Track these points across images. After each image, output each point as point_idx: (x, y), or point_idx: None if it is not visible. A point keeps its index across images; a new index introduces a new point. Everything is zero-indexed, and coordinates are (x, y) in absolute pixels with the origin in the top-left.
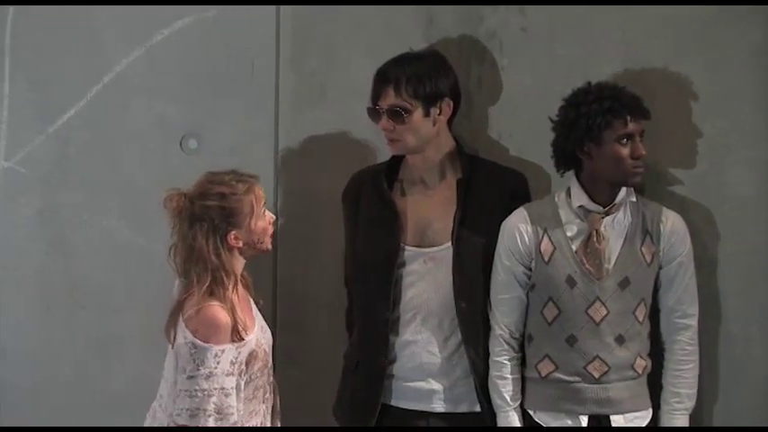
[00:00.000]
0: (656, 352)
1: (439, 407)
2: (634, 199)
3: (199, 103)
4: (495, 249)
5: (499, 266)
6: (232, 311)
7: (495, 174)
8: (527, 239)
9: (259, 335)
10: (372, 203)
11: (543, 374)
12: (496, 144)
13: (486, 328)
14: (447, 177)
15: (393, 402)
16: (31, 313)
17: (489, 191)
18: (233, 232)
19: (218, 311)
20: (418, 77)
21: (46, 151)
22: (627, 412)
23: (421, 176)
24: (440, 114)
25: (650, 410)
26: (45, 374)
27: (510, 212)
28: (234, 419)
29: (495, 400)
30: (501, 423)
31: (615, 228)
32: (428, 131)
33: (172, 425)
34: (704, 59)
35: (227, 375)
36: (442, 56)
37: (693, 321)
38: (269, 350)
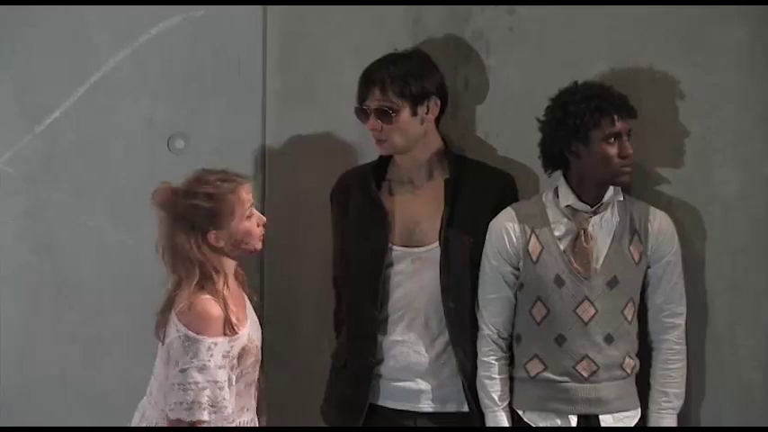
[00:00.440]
0: (644, 351)
1: (426, 407)
2: (621, 198)
3: (186, 103)
4: (482, 249)
5: (487, 266)
6: (224, 305)
7: (483, 174)
8: (515, 239)
9: (251, 330)
10: (360, 203)
11: (532, 374)
12: (484, 144)
13: (474, 328)
14: (435, 177)
15: (380, 402)
16: (18, 313)
17: (477, 191)
18: (213, 232)
19: (211, 304)
20: (404, 77)
21: (33, 151)
22: (616, 412)
23: (409, 176)
24: (427, 113)
25: (639, 410)
26: (32, 374)
27: (497, 212)
28: (228, 412)
29: (484, 400)
30: (489, 423)
31: (603, 227)
32: (416, 131)
33: (162, 420)
34: (691, 59)
35: (219, 368)
36: (427, 55)
37: (681, 320)
38: (260, 347)
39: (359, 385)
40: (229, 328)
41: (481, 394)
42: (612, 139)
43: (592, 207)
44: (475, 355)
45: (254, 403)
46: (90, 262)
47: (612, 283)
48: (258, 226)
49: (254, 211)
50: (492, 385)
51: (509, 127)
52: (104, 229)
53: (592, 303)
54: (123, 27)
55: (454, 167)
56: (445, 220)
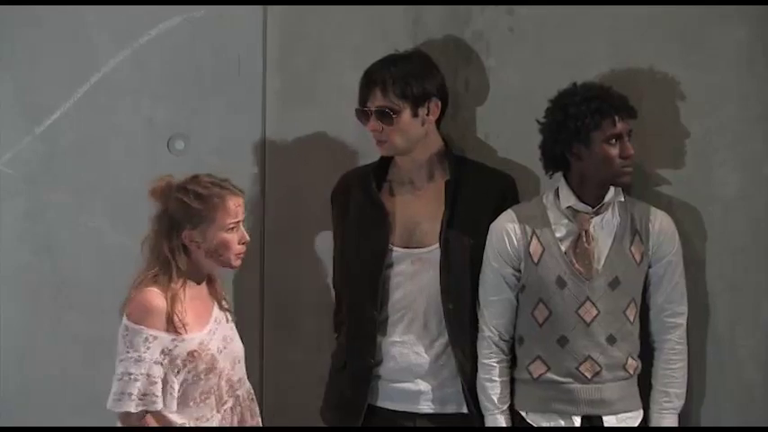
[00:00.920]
0: (645, 352)
1: (426, 408)
2: (622, 199)
3: (186, 104)
4: (482, 251)
5: (488, 268)
6: (171, 302)
7: (484, 175)
8: (515, 241)
9: (209, 339)
10: (361, 204)
11: (535, 376)
12: (484, 145)
13: (474, 329)
14: (435, 178)
15: (379, 403)
16: (18, 313)
17: (477, 192)
18: (188, 231)
19: (154, 296)
20: (405, 78)
21: (33, 152)
22: (619, 413)
23: (409, 177)
24: (428, 115)
25: (641, 411)
26: (32, 374)
27: (498, 214)
28: (157, 407)
29: (483, 403)
30: (489, 425)
31: (604, 228)
32: (416, 132)
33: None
34: (691, 59)
35: (155, 363)
36: (428, 56)
37: (682, 320)
38: (226, 361)
39: (358, 386)
40: (172, 327)
41: (481, 396)
42: (614, 140)
43: (593, 208)
44: (475, 356)
45: (218, 416)
46: (90, 262)
47: (614, 283)
48: (240, 243)
49: (242, 228)
50: (492, 387)
51: (509, 128)
52: (104, 230)
53: (594, 304)
54: (123, 27)
55: (455, 168)
56: (445, 221)
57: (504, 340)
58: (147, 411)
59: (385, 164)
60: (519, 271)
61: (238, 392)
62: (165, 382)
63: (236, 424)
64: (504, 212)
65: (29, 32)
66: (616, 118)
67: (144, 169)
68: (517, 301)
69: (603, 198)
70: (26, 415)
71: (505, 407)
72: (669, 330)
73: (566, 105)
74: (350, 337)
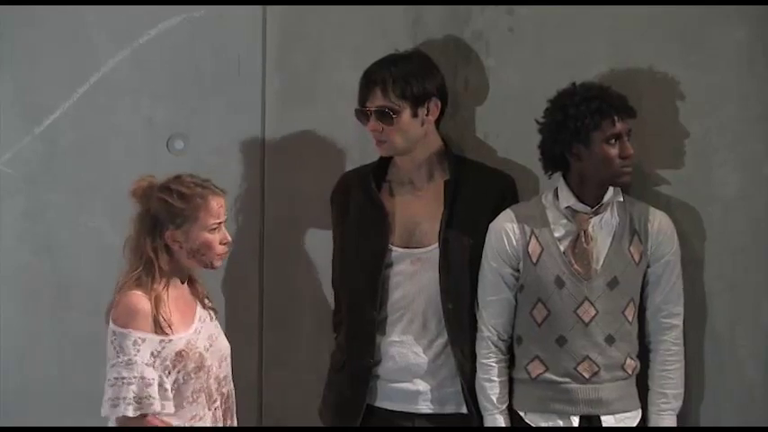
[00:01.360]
0: (643, 352)
1: (424, 408)
2: (621, 199)
3: (185, 104)
4: (482, 251)
5: (486, 268)
6: (156, 303)
7: (483, 175)
8: (514, 241)
9: (195, 338)
10: (361, 204)
11: (533, 376)
12: (483, 145)
13: (473, 329)
14: (435, 178)
15: (378, 403)
16: (17, 313)
17: (477, 192)
18: (170, 231)
19: (139, 298)
20: (405, 78)
21: (33, 152)
22: (617, 413)
23: (409, 177)
24: (428, 115)
25: (639, 411)
26: (31, 375)
27: (497, 214)
28: (155, 409)
29: (482, 403)
30: (488, 425)
31: (603, 228)
32: (416, 132)
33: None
34: (691, 59)
35: (147, 365)
36: (427, 56)
37: (679, 321)
38: (214, 359)
39: (357, 386)
40: (159, 328)
41: (480, 396)
42: (613, 140)
43: (592, 208)
44: (474, 356)
45: (210, 414)
46: (90, 262)
47: (613, 283)
48: (221, 244)
49: (223, 228)
50: (491, 387)
51: (509, 128)
52: (104, 230)
53: (592, 304)
54: (123, 27)
55: (454, 168)
56: (445, 221)
57: (502, 340)
58: (144, 414)
59: (384, 164)
60: (518, 271)
61: (224, 390)
62: (159, 384)
63: (225, 423)
64: (504, 212)
65: (29, 32)
66: (615, 118)
67: (144, 169)
68: (516, 300)
69: (602, 198)
70: (26, 415)
71: (504, 407)
72: (665, 331)
73: (565, 105)
74: (349, 337)
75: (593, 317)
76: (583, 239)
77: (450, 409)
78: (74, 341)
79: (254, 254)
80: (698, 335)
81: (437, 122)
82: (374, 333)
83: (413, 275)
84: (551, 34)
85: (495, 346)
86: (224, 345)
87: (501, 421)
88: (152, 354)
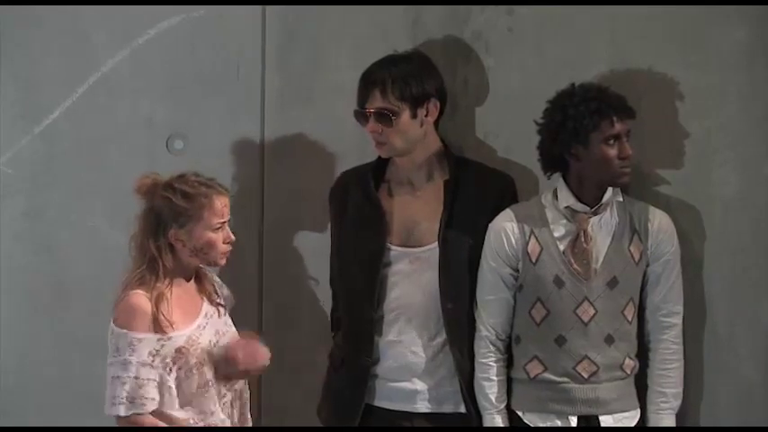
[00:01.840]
0: (642, 352)
1: (423, 407)
2: (620, 199)
3: (185, 104)
4: (481, 250)
5: (485, 268)
6: (157, 302)
7: (483, 175)
8: (514, 241)
9: (197, 334)
10: (359, 203)
11: (532, 375)
12: (483, 145)
13: (472, 328)
14: (434, 178)
15: (377, 403)
16: (17, 314)
17: (476, 192)
18: (174, 230)
19: (139, 299)
20: (404, 79)
21: (32, 152)
22: (616, 413)
23: (408, 177)
24: (427, 116)
25: (638, 410)
26: (31, 375)
27: (497, 214)
28: (147, 409)
29: (481, 402)
30: (486, 425)
31: (602, 227)
32: (415, 133)
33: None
34: (691, 59)
35: (143, 365)
36: (426, 57)
37: (678, 320)
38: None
39: (355, 385)
40: (158, 327)
41: (479, 396)
42: (612, 140)
43: (591, 208)
44: (472, 356)
45: (217, 407)
46: (90, 262)
47: (612, 283)
48: (225, 242)
49: (227, 227)
50: (489, 387)
51: (508, 128)
52: (104, 230)
53: (591, 304)
54: (122, 27)
55: (454, 168)
56: (444, 220)
57: (500, 339)
58: (138, 414)
59: (383, 163)
60: (517, 270)
61: (236, 386)
62: (161, 383)
63: (235, 418)
64: (503, 212)
65: (29, 32)
66: (614, 119)
67: (143, 169)
68: (514, 300)
69: (602, 198)
70: (26, 415)
71: (503, 406)
72: (665, 330)
73: (564, 106)
74: (347, 336)
75: (593, 316)
76: (582, 239)
77: (448, 408)
78: (74, 341)
79: (253, 253)
80: (697, 334)
81: (436, 123)
82: (372, 332)
83: (411, 275)
84: (551, 34)
85: (494, 346)
86: (225, 338)
87: (499, 421)
88: (150, 353)
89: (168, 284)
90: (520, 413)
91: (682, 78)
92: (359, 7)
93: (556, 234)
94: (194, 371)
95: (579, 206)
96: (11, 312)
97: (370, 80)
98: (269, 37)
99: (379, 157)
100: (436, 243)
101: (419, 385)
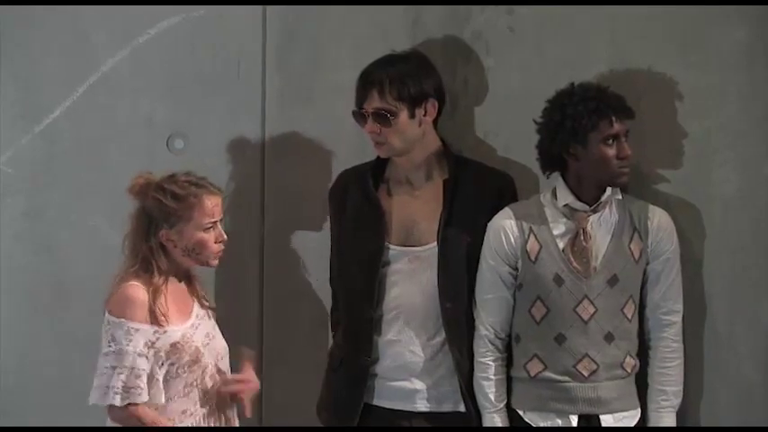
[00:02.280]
0: (642, 350)
1: (422, 406)
2: (620, 197)
3: (185, 103)
4: (480, 249)
5: (484, 266)
6: (153, 294)
7: (482, 174)
8: (513, 239)
9: (192, 333)
10: (358, 203)
11: (532, 374)
12: (483, 144)
13: (471, 327)
14: (433, 177)
15: (376, 402)
16: (17, 314)
17: (475, 191)
18: (165, 230)
19: (135, 289)
20: (402, 79)
21: (32, 151)
22: (616, 412)
23: (407, 176)
24: (425, 115)
25: (639, 410)
26: (31, 374)
27: (496, 213)
28: (142, 399)
29: (480, 401)
30: (486, 424)
31: (602, 225)
32: (414, 133)
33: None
34: (690, 59)
35: (139, 356)
36: (424, 56)
37: (678, 318)
38: (210, 357)
39: (354, 385)
40: (154, 319)
41: (478, 395)
42: (611, 140)
43: (590, 206)
44: (472, 355)
45: (202, 411)
46: (90, 262)
47: (613, 281)
48: (217, 242)
49: (219, 227)
50: (488, 386)
51: (508, 127)
52: (104, 230)
53: (591, 302)
54: (122, 27)
55: (453, 168)
56: (443, 219)
57: (499, 338)
58: (132, 404)
59: (382, 163)
60: (515, 269)
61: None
62: (150, 375)
63: (221, 422)
64: (502, 211)
65: (29, 32)
66: (613, 118)
67: (143, 168)
68: (514, 299)
69: (601, 196)
70: (26, 415)
71: (502, 405)
72: (665, 328)
73: (563, 105)
74: (346, 336)
75: (593, 314)
76: (582, 237)
77: (447, 407)
78: (74, 341)
79: (254, 253)
80: (697, 333)
81: (435, 122)
82: (371, 332)
83: (410, 274)
84: (551, 34)
85: (493, 345)
86: (221, 344)
87: (499, 420)
88: (146, 344)
89: (164, 281)
90: (520, 412)
91: (681, 78)
92: (359, 7)
93: (555, 232)
94: (186, 368)
95: (578, 204)
96: (11, 312)
97: (368, 80)
98: (269, 37)
99: (379, 157)
100: (435, 242)
101: (418, 384)
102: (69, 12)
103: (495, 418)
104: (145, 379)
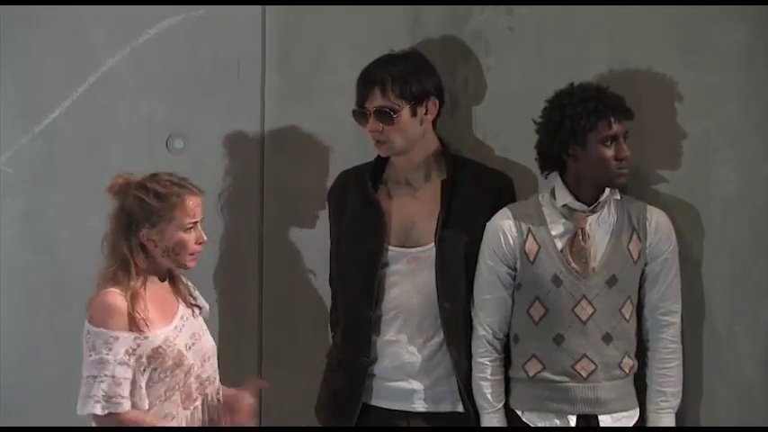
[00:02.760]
0: (639, 352)
1: (419, 406)
2: (618, 197)
3: (184, 103)
4: (479, 250)
5: (483, 267)
6: (132, 301)
7: (481, 174)
8: (511, 240)
9: (174, 336)
10: (357, 203)
11: (531, 374)
12: (482, 144)
13: (469, 328)
14: (432, 178)
15: (374, 402)
16: (16, 313)
17: (474, 192)
18: (146, 230)
19: (114, 297)
20: (404, 77)
21: (32, 151)
22: (615, 412)
23: (406, 177)
24: (426, 114)
25: (637, 410)
26: (31, 374)
27: (494, 213)
28: (123, 408)
29: (479, 401)
30: (484, 424)
31: (600, 225)
32: (415, 132)
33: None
34: (690, 59)
35: (119, 364)
36: (423, 55)
37: (677, 319)
38: (196, 358)
39: (353, 385)
40: (134, 325)
41: (476, 395)
42: (609, 141)
43: (589, 206)
44: (470, 355)
45: (186, 414)
46: (90, 262)
47: (611, 281)
48: (197, 243)
49: (199, 228)
50: (486, 386)
51: (508, 127)
52: (104, 229)
53: (590, 302)
54: (122, 27)
55: (452, 168)
56: (441, 220)
57: (498, 339)
58: (115, 413)
59: (382, 163)
60: (514, 269)
61: (207, 390)
62: (133, 382)
63: (205, 423)
64: (500, 211)
65: (29, 32)
66: (612, 119)
67: (143, 168)
68: (512, 299)
69: (599, 197)
70: (26, 415)
71: (500, 405)
72: (663, 329)
73: (562, 106)
74: (345, 336)
75: (591, 315)
76: (580, 237)
77: (445, 407)
78: (74, 341)
79: (253, 253)
80: (697, 334)
81: (434, 122)
82: (370, 332)
83: (409, 275)
84: (551, 34)
85: (491, 345)
86: (208, 344)
87: (497, 420)
88: (126, 351)
89: (142, 283)
90: (519, 412)
91: (681, 78)
92: (359, 7)
93: (554, 232)
94: (168, 373)
95: (577, 204)
96: (11, 312)
97: (369, 79)
98: (269, 37)
99: (378, 158)
100: (433, 243)
101: (415, 385)
102: (69, 12)
103: (493, 419)
104: (126, 387)
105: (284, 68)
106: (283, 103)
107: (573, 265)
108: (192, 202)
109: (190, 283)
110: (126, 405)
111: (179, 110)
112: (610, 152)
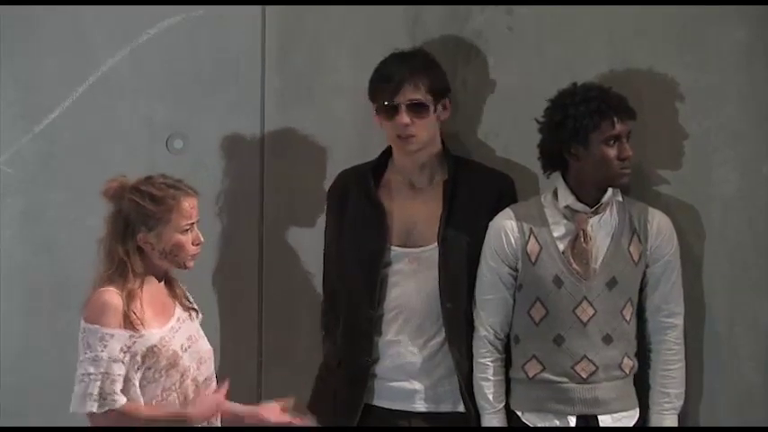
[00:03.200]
0: (641, 352)
1: (421, 406)
2: (620, 199)
3: (184, 103)
4: (480, 250)
5: (484, 267)
6: (128, 299)
7: (482, 175)
8: (513, 240)
9: (170, 336)
10: (359, 203)
11: (531, 375)
12: (483, 144)
13: (471, 328)
14: (434, 178)
15: (375, 402)
16: (16, 313)
17: (476, 192)
18: (143, 233)
19: (110, 295)
20: (432, 73)
21: (32, 151)
22: (615, 412)
23: (408, 177)
24: (444, 110)
25: (637, 410)
26: (30, 374)
27: (496, 214)
28: (119, 405)
29: (480, 402)
30: (485, 424)
31: (602, 227)
32: (435, 129)
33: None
34: (690, 59)
35: (114, 361)
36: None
37: (679, 320)
38: (192, 360)
39: (354, 385)
40: (129, 323)
41: (477, 396)
42: (612, 141)
43: (591, 208)
44: (471, 355)
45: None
46: (90, 262)
47: (612, 283)
48: (194, 244)
49: (196, 229)
50: (487, 387)
51: (508, 127)
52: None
53: (590, 304)
54: (122, 27)
55: (453, 168)
56: (443, 220)
57: (499, 339)
58: (111, 410)
59: (383, 163)
60: (515, 270)
61: (204, 393)
62: (127, 380)
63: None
64: (502, 212)
65: (28, 32)
66: (615, 119)
67: (143, 168)
68: (513, 300)
69: (602, 198)
70: (26, 415)
71: (501, 406)
72: (666, 331)
73: (565, 105)
74: (346, 336)
75: (592, 316)
76: (582, 239)
77: (446, 407)
78: (74, 341)
79: (253, 254)
80: (697, 334)
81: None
82: (371, 332)
83: (411, 275)
84: (551, 34)
85: (492, 346)
86: (205, 347)
87: (498, 421)
88: (121, 349)
89: (140, 285)
90: (519, 413)
91: (681, 78)
92: (359, 7)
93: (555, 234)
94: (163, 373)
95: (579, 206)
96: (11, 312)
97: (397, 74)
98: (269, 37)
99: (379, 157)
100: (435, 243)
101: (416, 385)
102: (69, 12)
103: (494, 419)
104: (120, 384)
105: (284, 68)
106: (283, 103)
107: (574, 266)
108: (188, 204)
109: (185, 288)
110: (121, 401)
111: (179, 110)
112: (612, 152)
